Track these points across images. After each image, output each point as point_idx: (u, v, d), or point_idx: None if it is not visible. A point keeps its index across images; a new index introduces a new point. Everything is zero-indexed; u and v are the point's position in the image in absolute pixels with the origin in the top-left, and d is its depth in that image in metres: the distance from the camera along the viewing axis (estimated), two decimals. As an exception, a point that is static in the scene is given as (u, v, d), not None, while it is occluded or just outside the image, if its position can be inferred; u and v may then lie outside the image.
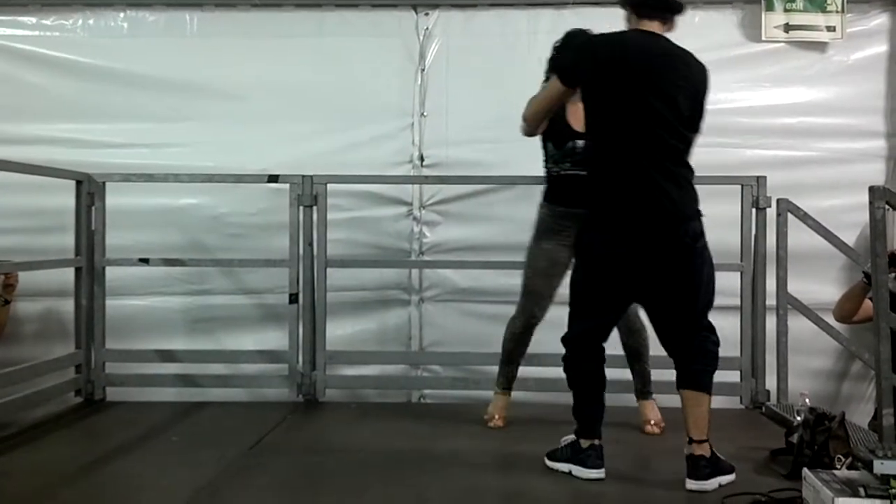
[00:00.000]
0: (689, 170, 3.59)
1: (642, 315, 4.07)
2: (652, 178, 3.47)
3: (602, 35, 3.71)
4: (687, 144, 3.58)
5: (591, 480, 3.58)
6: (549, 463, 3.75)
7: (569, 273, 4.01)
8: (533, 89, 5.50)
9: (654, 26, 3.62)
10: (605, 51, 3.61)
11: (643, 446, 4.27)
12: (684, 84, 3.54)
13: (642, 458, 4.07)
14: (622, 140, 3.51)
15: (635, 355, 4.50)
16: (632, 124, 3.49)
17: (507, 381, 4.58)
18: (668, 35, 3.63)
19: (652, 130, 3.47)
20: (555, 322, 5.29)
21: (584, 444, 3.64)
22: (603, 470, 3.60)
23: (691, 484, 3.46)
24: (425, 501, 3.50)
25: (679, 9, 3.68)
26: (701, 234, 3.56)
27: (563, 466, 3.69)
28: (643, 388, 4.53)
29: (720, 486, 3.47)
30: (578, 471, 3.63)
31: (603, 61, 3.58)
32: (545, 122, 4.10)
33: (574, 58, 3.80)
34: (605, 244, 3.52)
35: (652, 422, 4.47)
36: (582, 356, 3.69)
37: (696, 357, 3.57)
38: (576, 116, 4.08)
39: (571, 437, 3.74)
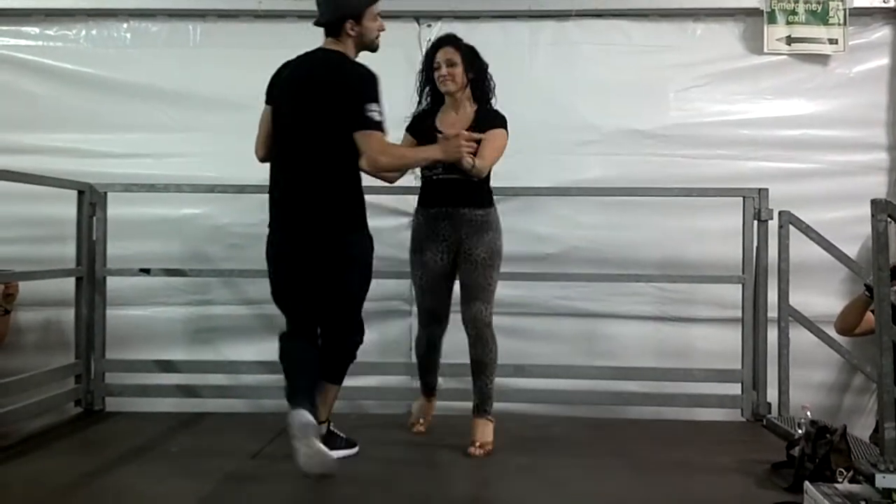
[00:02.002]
0: (339, 174, 3.85)
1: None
2: (291, 185, 3.89)
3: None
4: (332, 150, 3.81)
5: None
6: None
7: (455, 278, 4.35)
8: (536, 100, 5.57)
9: (328, 42, 3.99)
10: (278, 72, 4.04)
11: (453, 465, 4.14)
12: (318, 89, 3.83)
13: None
14: (276, 150, 3.99)
15: (476, 369, 4.35)
16: (279, 136, 3.96)
17: (426, 387, 4.71)
18: (347, 46, 3.98)
19: (291, 141, 3.89)
20: (543, 334, 5.32)
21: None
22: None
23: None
24: (425, 513, 3.50)
25: (322, 23, 3.99)
26: (346, 238, 3.90)
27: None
28: (479, 404, 4.34)
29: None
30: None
31: (272, 82, 4.04)
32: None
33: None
34: (271, 243, 3.96)
35: (477, 443, 4.23)
36: (290, 347, 3.98)
37: (332, 351, 4.03)
38: (446, 123, 4.32)
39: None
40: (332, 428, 4.14)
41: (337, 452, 3.84)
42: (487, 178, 4.33)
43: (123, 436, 4.56)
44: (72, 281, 5.16)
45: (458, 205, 4.29)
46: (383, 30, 4.08)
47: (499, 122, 4.31)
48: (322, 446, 3.62)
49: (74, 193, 5.12)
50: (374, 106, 3.78)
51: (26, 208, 5.50)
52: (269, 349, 5.25)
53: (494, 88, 4.43)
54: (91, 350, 5.20)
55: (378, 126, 3.79)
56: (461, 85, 4.32)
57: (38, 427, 4.72)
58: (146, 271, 5.25)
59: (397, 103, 5.61)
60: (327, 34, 4.00)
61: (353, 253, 3.94)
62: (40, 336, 5.63)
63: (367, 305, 5.62)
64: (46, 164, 5.34)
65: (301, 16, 5.40)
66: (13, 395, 4.57)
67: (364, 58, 5.68)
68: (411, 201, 5.67)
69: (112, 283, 5.30)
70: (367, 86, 3.83)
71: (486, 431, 4.28)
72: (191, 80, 5.71)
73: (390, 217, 5.70)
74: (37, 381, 4.84)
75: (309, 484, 3.75)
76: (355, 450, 4.20)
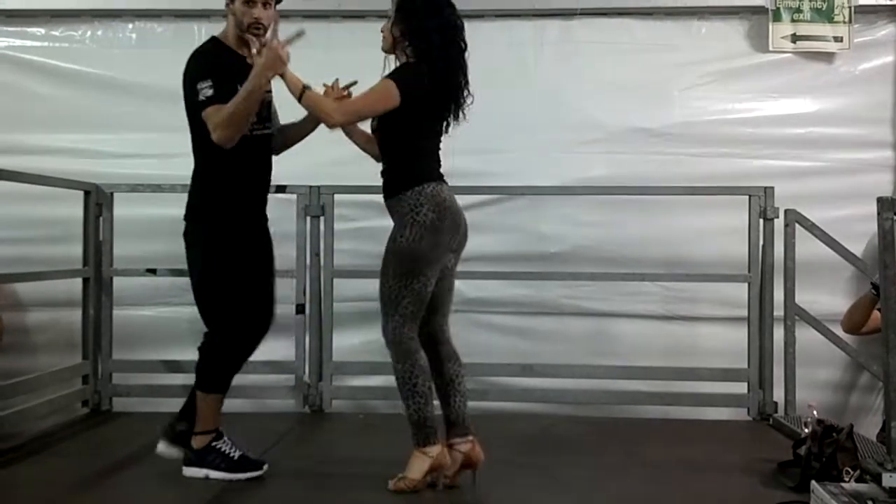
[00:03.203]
0: (200, 165, 3.78)
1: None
2: None
3: None
4: (195, 141, 3.75)
5: None
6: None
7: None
8: (540, 99, 5.56)
9: None
10: None
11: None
12: None
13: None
14: None
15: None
16: None
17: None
18: (227, 27, 3.86)
19: None
20: (549, 334, 5.31)
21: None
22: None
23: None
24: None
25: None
26: (190, 229, 3.78)
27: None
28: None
29: (208, 477, 3.74)
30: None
31: None
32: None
33: None
34: None
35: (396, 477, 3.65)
36: None
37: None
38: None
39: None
40: (212, 443, 3.77)
41: (195, 470, 3.76)
42: (402, 160, 3.72)
43: (131, 436, 4.56)
44: (78, 281, 5.17)
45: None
46: (259, 22, 3.71)
47: (391, 75, 3.66)
48: (161, 446, 3.80)
49: (81, 194, 5.13)
50: (200, 84, 3.63)
51: (33, 209, 5.51)
52: (274, 349, 5.28)
53: (443, 43, 3.67)
54: (98, 350, 5.21)
55: (207, 102, 3.61)
56: (389, 44, 3.75)
57: (46, 427, 4.73)
58: (153, 271, 5.26)
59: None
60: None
61: (187, 242, 3.81)
62: (47, 337, 5.64)
63: (371, 305, 5.66)
64: (52, 164, 5.36)
65: (306, 15, 5.40)
66: (21, 395, 4.58)
67: (369, 57, 5.73)
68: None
69: (119, 283, 5.31)
70: (189, 68, 3.75)
71: (410, 465, 3.62)
72: (196, 81, 5.71)
73: (388, 217, 5.70)
74: (44, 381, 4.86)
75: (316, 485, 3.76)
76: (240, 475, 3.77)
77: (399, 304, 3.59)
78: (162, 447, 3.82)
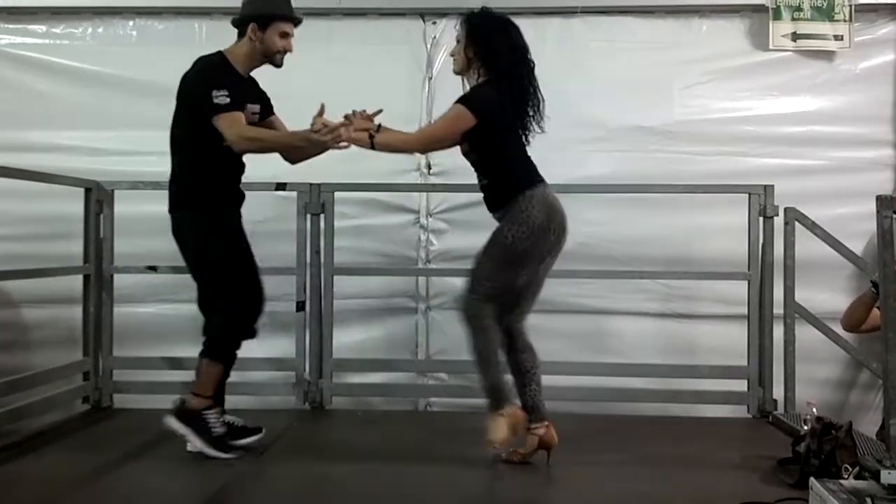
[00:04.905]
0: (189, 159, 4.14)
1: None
2: None
3: None
4: (181, 142, 4.16)
5: None
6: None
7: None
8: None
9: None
10: None
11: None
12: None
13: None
14: None
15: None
16: None
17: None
18: (240, 50, 4.16)
19: None
20: (549, 331, 5.30)
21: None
22: None
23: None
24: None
25: (235, 24, 4.18)
26: (181, 219, 4.14)
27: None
28: None
29: (185, 438, 4.03)
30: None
31: None
32: None
33: None
34: None
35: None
36: None
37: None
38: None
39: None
40: (204, 411, 4.05)
41: (178, 425, 4.06)
42: (501, 171, 3.95)
43: (131, 432, 4.57)
44: (79, 278, 5.18)
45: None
46: (289, 51, 4.15)
47: (460, 100, 3.91)
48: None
49: (81, 191, 5.13)
50: (216, 92, 3.94)
51: (33, 206, 5.52)
52: (276, 346, 5.31)
53: (511, 62, 3.91)
54: (99, 347, 5.21)
55: (225, 108, 3.96)
56: (463, 65, 3.98)
57: (47, 424, 4.73)
58: (153, 269, 5.27)
59: (403, 99, 5.68)
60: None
61: (181, 233, 4.16)
62: (48, 333, 5.64)
63: (371, 302, 5.68)
64: (53, 161, 5.37)
65: (307, 13, 5.36)
66: (21, 391, 4.59)
67: (370, 54, 5.74)
68: (416, 198, 5.72)
69: (119, 280, 5.32)
70: (201, 74, 4.06)
71: (492, 426, 3.89)
72: (197, 78, 5.71)
73: (397, 215, 5.72)
74: (45, 378, 4.86)
75: (316, 481, 3.77)
76: (213, 452, 4.00)
77: (486, 285, 3.85)
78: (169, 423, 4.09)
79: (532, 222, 3.81)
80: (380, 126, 3.98)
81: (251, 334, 4.19)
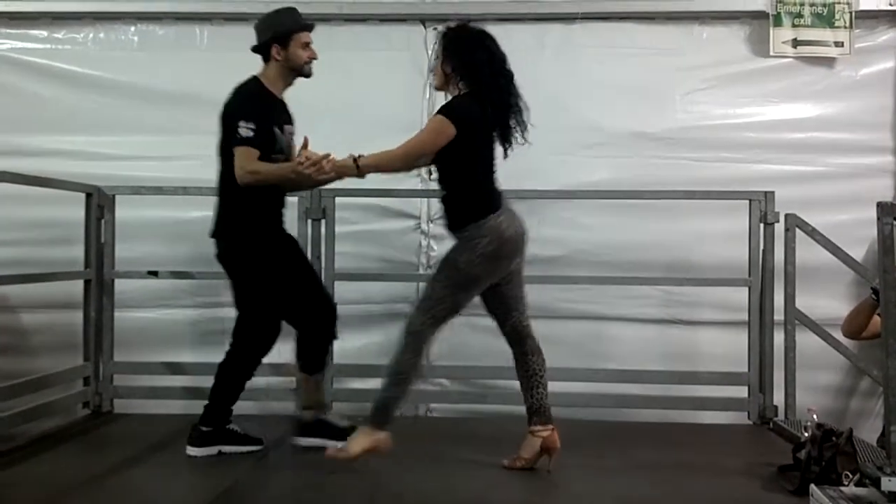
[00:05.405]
0: (227, 192, 4.24)
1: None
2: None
3: None
4: (224, 167, 4.22)
5: None
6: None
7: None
8: (541, 103, 5.55)
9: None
10: None
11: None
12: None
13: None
14: None
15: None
16: None
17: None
18: (271, 71, 4.31)
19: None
20: (548, 337, 5.30)
21: None
22: None
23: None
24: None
25: (256, 50, 4.31)
26: (225, 249, 4.29)
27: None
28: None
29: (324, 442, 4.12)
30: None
31: None
32: None
33: None
34: None
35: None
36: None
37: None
38: None
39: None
40: (319, 416, 4.41)
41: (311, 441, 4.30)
42: (459, 192, 3.93)
43: (132, 437, 4.58)
44: (80, 283, 5.18)
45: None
46: (315, 58, 4.26)
47: (441, 110, 3.88)
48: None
49: (82, 196, 5.14)
50: (242, 123, 4.08)
51: (34, 211, 5.53)
52: (276, 351, 5.29)
53: (491, 73, 3.90)
54: (99, 352, 5.22)
55: (244, 141, 4.09)
56: (441, 80, 3.97)
57: (47, 429, 4.75)
58: (154, 274, 5.27)
59: (404, 105, 5.69)
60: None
61: (233, 260, 4.33)
62: (49, 338, 5.63)
63: (372, 307, 5.68)
64: (54, 166, 5.36)
65: (307, 19, 5.41)
66: (22, 396, 4.59)
67: (371, 60, 5.75)
68: (417, 203, 5.72)
69: (120, 285, 5.32)
70: (235, 105, 4.19)
71: (356, 438, 3.87)
72: (198, 83, 5.70)
73: (398, 220, 5.72)
74: (45, 382, 4.86)
75: (317, 486, 3.77)
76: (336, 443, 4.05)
77: (436, 307, 3.84)
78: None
79: (482, 251, 3.78)
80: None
81: (334, 337, 4.48)
